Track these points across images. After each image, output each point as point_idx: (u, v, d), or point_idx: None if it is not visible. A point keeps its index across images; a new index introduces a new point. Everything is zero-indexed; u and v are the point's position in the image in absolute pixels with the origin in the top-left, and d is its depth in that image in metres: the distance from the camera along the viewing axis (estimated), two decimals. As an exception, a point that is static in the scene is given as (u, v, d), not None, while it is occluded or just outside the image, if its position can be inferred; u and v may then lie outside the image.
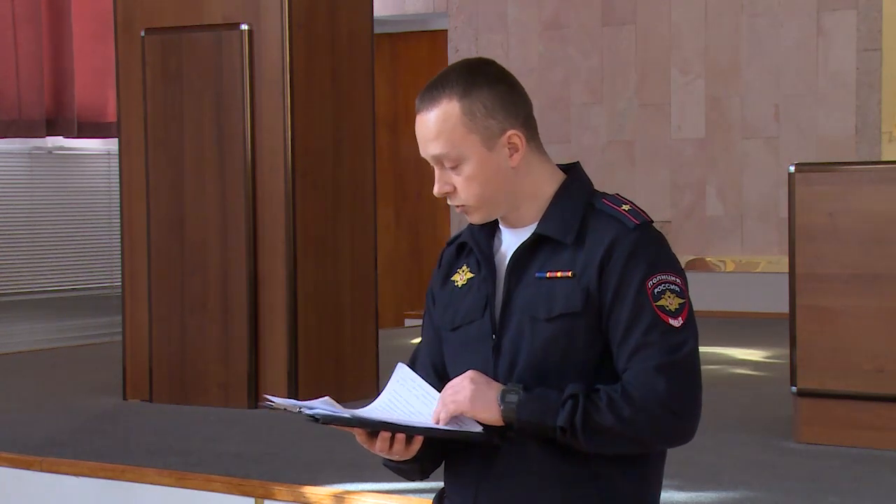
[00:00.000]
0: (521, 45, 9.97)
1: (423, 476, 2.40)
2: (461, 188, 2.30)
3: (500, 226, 2.37)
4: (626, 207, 2.29)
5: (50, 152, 9.41)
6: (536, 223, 2.31)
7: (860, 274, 4.77)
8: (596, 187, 2.37)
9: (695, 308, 2.32)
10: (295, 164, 5.87)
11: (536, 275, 2.28)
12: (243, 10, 5.91)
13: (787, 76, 9.13)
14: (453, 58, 10.17)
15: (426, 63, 10.76)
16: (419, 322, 10.71)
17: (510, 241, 2.34)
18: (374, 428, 2.24)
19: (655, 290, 2.23)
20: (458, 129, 2.27)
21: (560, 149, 9.44)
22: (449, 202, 2.34)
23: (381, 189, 9.12)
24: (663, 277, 2.24)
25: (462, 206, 2.32)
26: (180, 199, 6.01)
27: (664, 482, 2.41)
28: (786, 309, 4.94)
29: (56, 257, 9.44)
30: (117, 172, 6.41)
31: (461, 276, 2.40)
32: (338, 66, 6.12)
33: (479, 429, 2.24)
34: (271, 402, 2.28)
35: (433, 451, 2.32)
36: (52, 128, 9.14)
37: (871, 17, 8.84)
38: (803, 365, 4.86)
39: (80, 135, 9.25)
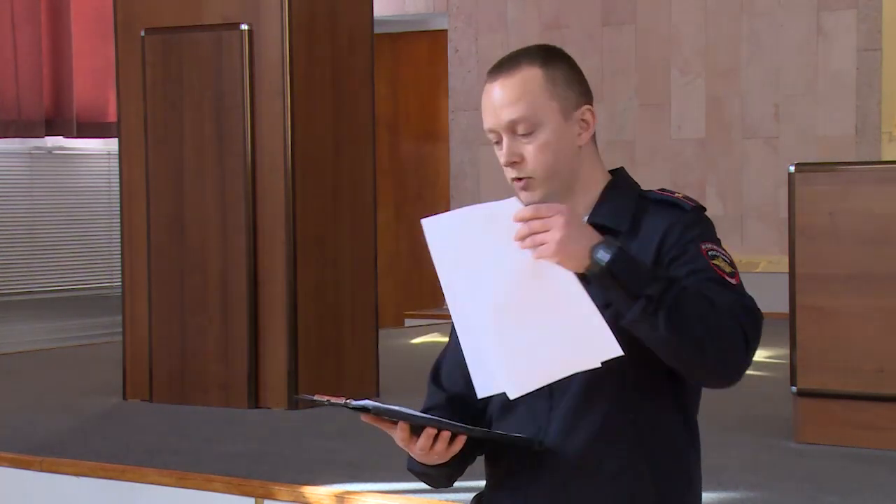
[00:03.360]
0: (521, 45, 9.83)
1: (450, 483, 2.37)
2: (532, 157, 2.28)
3: None
4: (679, 195, 2.33)
5: (50, 152, 9.41)
6: (587, 217, 2.31)
7: (860, 274, 4.77)
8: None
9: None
10: (295, 164, 5.87)
11: None
12: (243, 10, 5.91)
13: (787, 76, 9.13)
14: (453, 58, 10.17)
15: (426, 63, 10.76)
16: (419, 322, 10.63)
17: None
18: (423, 423, 2.19)
19: (710, 252, 2.23)
20: (541, 93, 2.28)
21: (560, 149, 9.42)
22: (514, 173, 2.30)
23: (381, 189, 9.12)
24: (716, 248, 2.25)
25: (527, 178, 2.29)
26: (180, 199, 6.01)
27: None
28: (786, 309, 4.94)
29: (56, 257, 9.44)
30: (117, 172, 6.41)
31: None
32: (338, 66, 6.12)
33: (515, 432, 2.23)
34: (311, 398, 2.26)
35: (463, 456, 2.28)
36: (52, 128, 9.14)
37: (871, 17, 8.84)
38: (803, 365, 4.87)
39: (80, 135, 9.25)
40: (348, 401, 2.18)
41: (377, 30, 6.96)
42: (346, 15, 6.18)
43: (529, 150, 2.28)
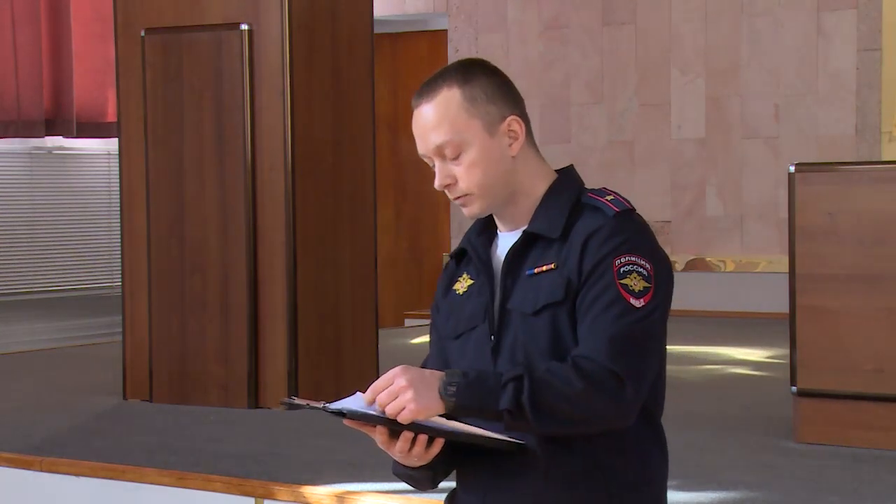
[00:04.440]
0: (521, 45, 9.97)
1: (434, 485, 2.39)
2: (462, 177, 2.30)
3: (498, 231, 2.38)
4: (609, 198, 2.32)
5: (50, 152, 9.41)
6: (525, 226, 2.33)
7: (860, 274, 4.77)
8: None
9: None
10: (295, 164, 5.87)
11: (527, 273, 2.30)
12: (243, 10, 5.91)
13: (787, 76, 9.13)
14: (453, 58, 10.17)
15: (426, 63, 10.76)
16: (419, 322, 10.66)
17: (506, 244, 2.35)
18: (399, 427, 2.21)
19: (622, 269, 2.23)
20: (461, 114, 2.28)
21: (560, 149, 9.43)
22: (449, 195, 2.34)
23: (381, 189, 9.12)
24: (633, 259, 2.24)
25: (463, 196, 2.32)
26: (180, 199, 6.01)
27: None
28: (786, 309, 4.94)
29: (56, 257, 9.44)
30: (117, 172, 6.41)
31: (462, 284, 2.41)
32: (338, 66, 6.12)
33: (498, 432, 2.23)
34: (292, 400, 2.27)
35: (446, 458, 2.31)
36: (52, 128, 9.15)
37: (871, 17, 8.84)
38: (803, 365, 4.86)
39: (80, 135, 9.25)
40: (326, 404, 2.20)
41: (377, 30, 6.96)
42: (346, 15, 6.18)
43: (459, 171, 2.30)
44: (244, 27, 5.87)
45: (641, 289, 2.23)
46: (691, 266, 9.20)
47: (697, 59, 9.42)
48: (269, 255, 5.90)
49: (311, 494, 4.33)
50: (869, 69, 8.83)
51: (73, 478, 4.83)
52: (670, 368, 2.43)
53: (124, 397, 6.24)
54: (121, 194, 6.31)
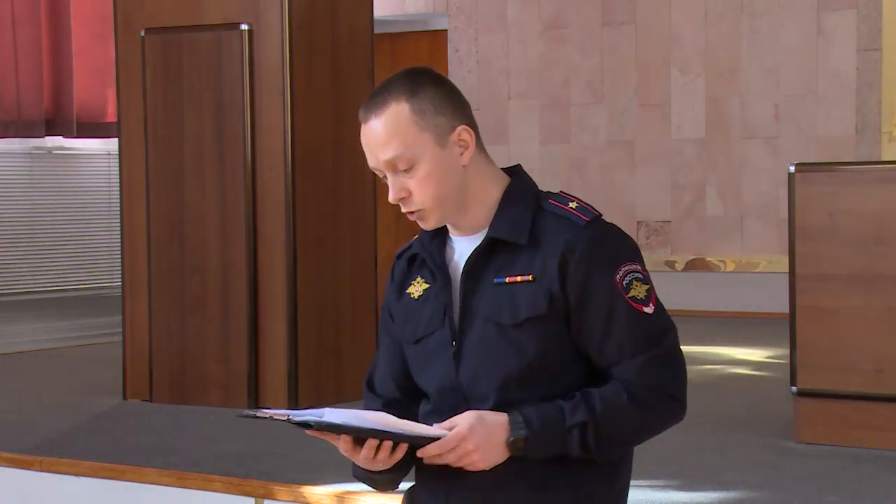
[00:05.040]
0: (521, 45, 9.97)
1: (395, 486, 2.39)
2: (417, 190, 2.29)
3: (450, 234, 2.38)
4: (573, 205, 2.31)
5: (50, 152, 9.40)
6: (487, 227, 2.32)
7: (860, 274, 4.77)
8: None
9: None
10: (295, 164, 5.87)
11: (495, 280, 2.29)
12: (243, 10, 5.91)
13: (787, 76, 9.13)
14: (453, 58, 10.17)
15: (426, 63, 10.76)
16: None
17: (463, 248, 2.35)
18: (366, 435, 2.22)
19: (624, 283, 2.26)
20: (411, 128, 2.27)
21: (560, 149, 9.42)
22: (404, 208, 2.32)
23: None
24: (628, 268, 2.27)
25: (417, 211, 2.31)
26: (180, 199, 6.01)
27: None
28: (786, 309, 4.94)
29: (56, 257, 9.43)
30: (117, 172, 6.42)
31: (416, 288, 2.40)
32: (338, 66, 6.12)
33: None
34: (255, 413, 2.27)
35: (406, 457, 2.31)
36: (52, 128, 9.14)
37: (871, 17, 8.84)
38: (803, 365, 4.87)
39: (80, 135, 9.24)
40: (291, 416, 2.20)
41: (377, 30, 6.96)
42: (346, 15, 6.18)
43: (413, 184, 2.29)
44: (244, 27, 5.87)
45: (645, 293, 2.27)
46: (691, 266, 9.20)
47: (697, 59, 9.42)
48: (269, 255, 5.90)
49: (311, 494, 4.33)
50: (869, 69, 8.83)
51: (73, 478, 4.83)
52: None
53: (124, 397, 6.24)
54: (121, 194, 6.32)
